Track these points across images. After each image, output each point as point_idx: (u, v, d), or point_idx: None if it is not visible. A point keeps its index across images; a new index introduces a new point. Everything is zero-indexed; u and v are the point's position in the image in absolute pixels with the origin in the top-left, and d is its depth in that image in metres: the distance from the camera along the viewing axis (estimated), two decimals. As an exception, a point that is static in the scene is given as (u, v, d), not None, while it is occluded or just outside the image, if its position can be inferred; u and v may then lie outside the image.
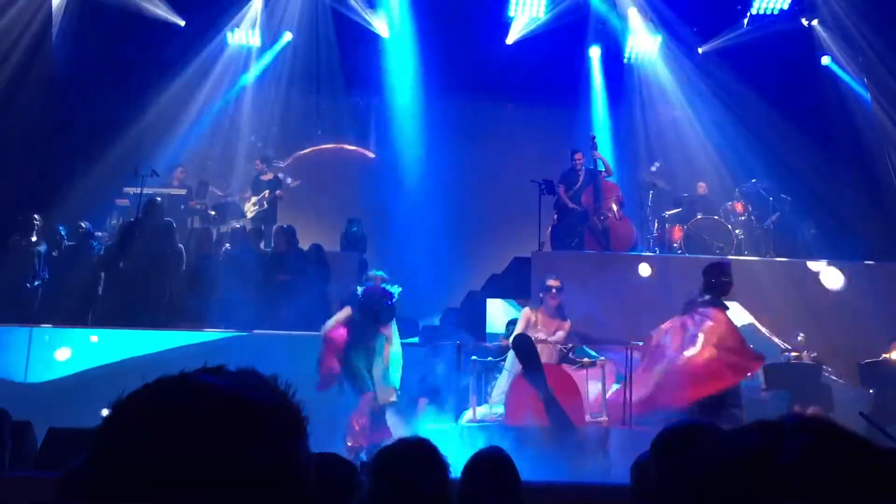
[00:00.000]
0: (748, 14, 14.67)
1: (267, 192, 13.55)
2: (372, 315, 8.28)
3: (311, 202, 14.92)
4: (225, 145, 14.72)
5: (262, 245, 12.23)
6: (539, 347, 8.18)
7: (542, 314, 8.66)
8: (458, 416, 8.46)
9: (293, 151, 15.88)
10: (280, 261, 11.39)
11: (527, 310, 8.78)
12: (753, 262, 11.68)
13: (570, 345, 8.72)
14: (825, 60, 14.59)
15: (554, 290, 8.64)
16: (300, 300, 10.62)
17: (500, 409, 8.16)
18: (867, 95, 14.13)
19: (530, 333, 8.34)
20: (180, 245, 11.65)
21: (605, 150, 13.26)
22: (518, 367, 8.13)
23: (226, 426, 0.90)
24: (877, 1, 13.74)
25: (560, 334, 8.61)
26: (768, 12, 14.67)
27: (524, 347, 8.03)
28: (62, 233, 11.63)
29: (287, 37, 15.05)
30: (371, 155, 16.48)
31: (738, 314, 10.16)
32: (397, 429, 8.15)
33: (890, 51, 13.55)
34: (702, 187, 13.45)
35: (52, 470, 4.84)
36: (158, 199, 11.81)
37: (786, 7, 14.65)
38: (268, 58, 15.21)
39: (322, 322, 8.82)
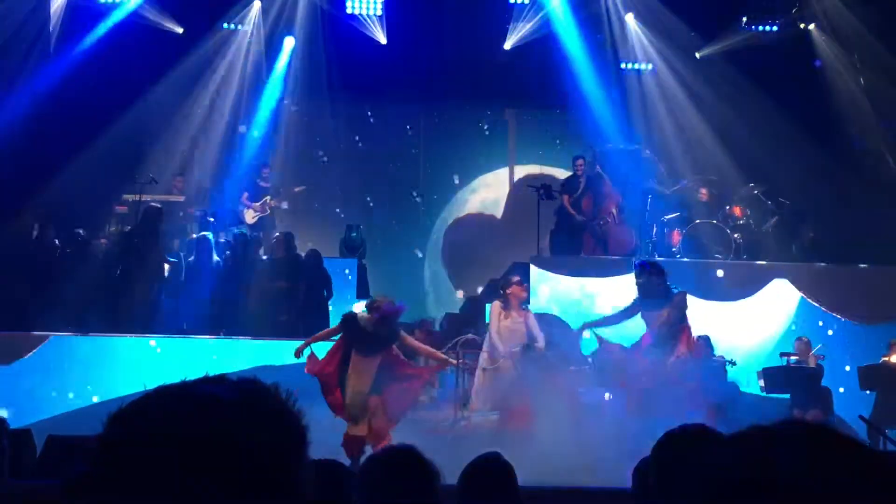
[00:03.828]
0: (745, 19, 14.67)
1: (267, 198, 13.52)
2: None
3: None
4: (222, 151, 14.67)
5: (261, 252, 12.21)
6: (509, 333, 9.11)
7: (511, 307, 9.34)
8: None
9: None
10: (278, 267, 11.38)
11: (496, 304, 9.38)
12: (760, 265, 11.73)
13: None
14: (821, 64, 14.59)
15: (523, 287, 9.50)
16: (299, 307, 10.62)
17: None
18: (865, 99, 14.14)
19: (501, 324, 9.13)
20: (180, 253, 11.64)
21: (604, 155, 13.25)
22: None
23: (226, 435, 0.90)
24: (873, 4, 13.76)
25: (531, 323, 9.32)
26: (766, 16, 14.68)
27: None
28: (58, 239, 11.61)
29: (288, 42, 14.93)
30: None
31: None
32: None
33: (887, 54, 13.57)
34: (703, 193, 13.42)
35: (51, 478, 4.84)
36: (157, 207, 11.75)
37: (783, 12, 14.66)
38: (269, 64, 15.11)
39: (320, 329, 8.76)
